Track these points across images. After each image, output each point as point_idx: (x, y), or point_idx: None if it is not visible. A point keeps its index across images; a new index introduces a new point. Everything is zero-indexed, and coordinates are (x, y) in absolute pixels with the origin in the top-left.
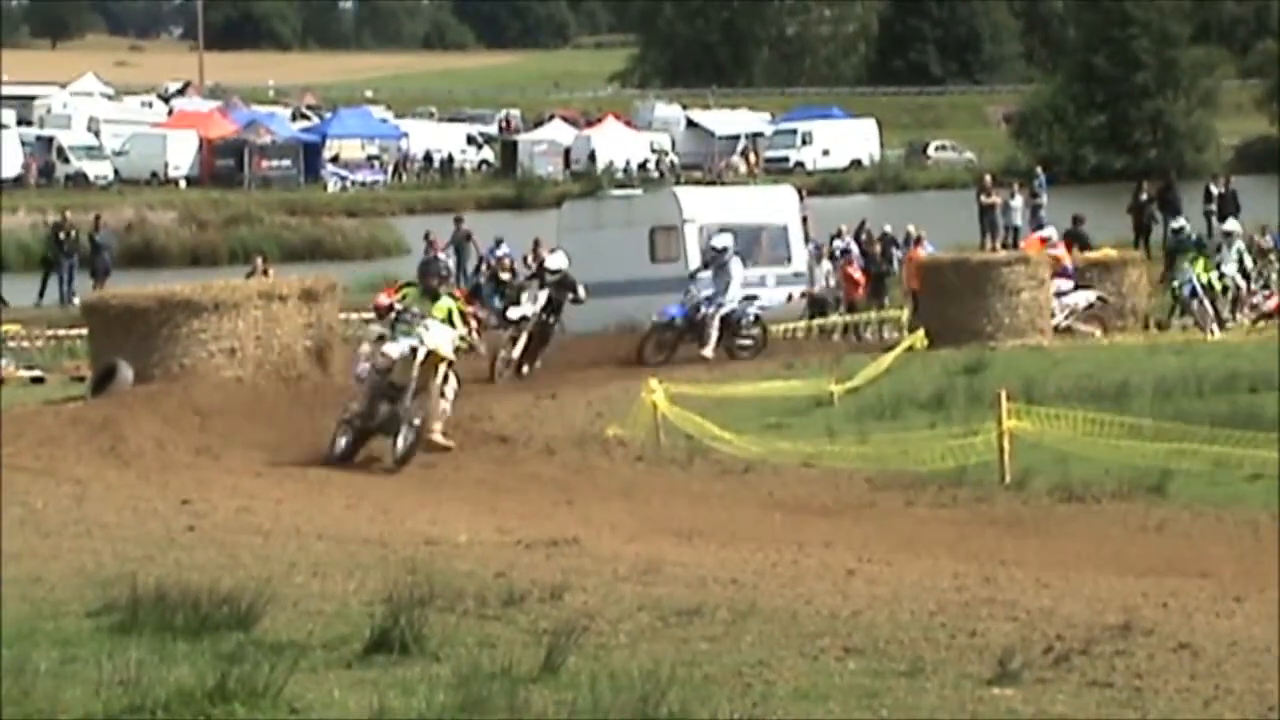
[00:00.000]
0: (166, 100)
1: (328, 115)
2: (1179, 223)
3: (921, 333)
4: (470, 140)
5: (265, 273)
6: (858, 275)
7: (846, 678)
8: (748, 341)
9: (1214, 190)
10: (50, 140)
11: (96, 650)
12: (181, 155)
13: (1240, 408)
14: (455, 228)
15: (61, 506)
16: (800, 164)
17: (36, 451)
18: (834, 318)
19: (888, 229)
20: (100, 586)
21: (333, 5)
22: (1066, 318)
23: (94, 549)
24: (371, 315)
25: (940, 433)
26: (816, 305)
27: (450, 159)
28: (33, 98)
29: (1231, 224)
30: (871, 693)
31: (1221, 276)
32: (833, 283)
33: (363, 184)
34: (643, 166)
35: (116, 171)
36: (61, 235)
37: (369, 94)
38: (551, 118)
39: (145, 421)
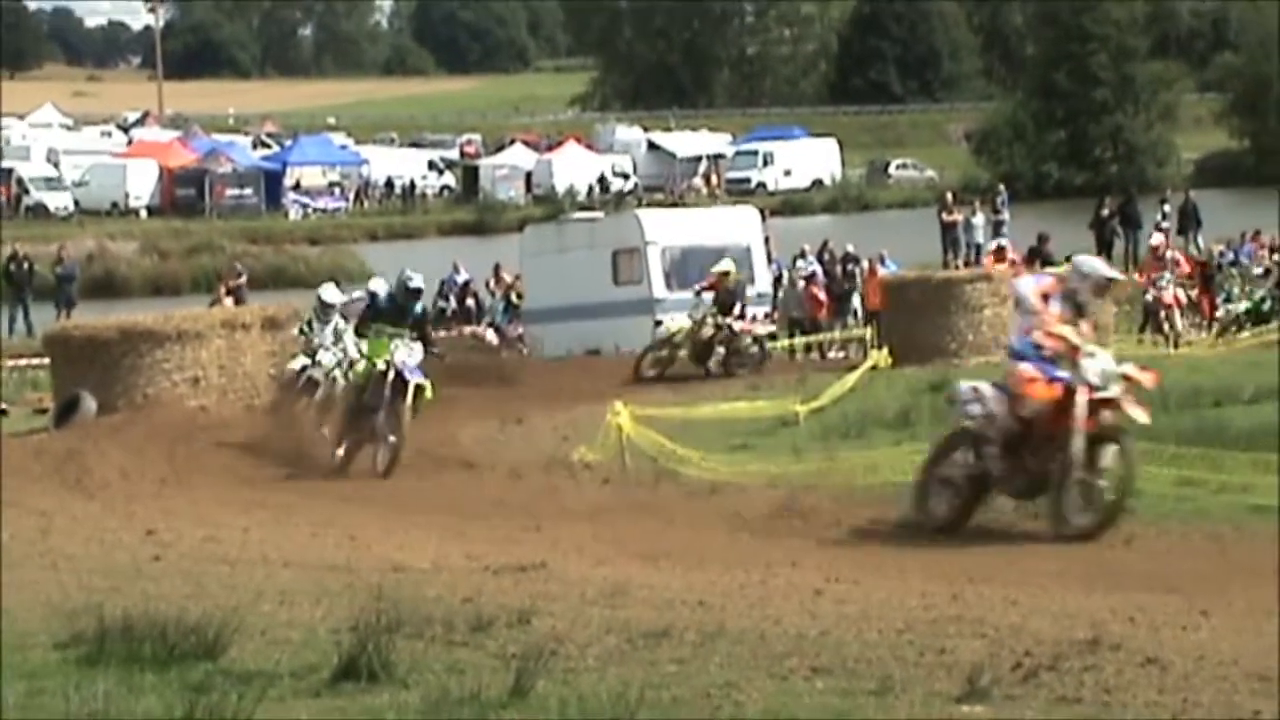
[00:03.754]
0: (126, 130)
1: (288, 143)
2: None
3: (885, 351)
4: (431, 166)
5: (229, 291)
6: (821, 296)
7: (815, 698)
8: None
9: (1167, 207)
10: (10, 172)
11: (63, 682)
12: (142, 185)
13: (1205, 422)
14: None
15: (26, 538)
16: (762, 184)
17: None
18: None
19: (850, 249)
20: (66, 618)
21: (292, 32)
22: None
23: (60, 580)
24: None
25: (906, 450)
26: (796, 325)
27: (412, 185)
28: None
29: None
30: (840, 712)
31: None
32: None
33: (324, 211)
34: (604, 189)
35: (77, 202)
36: (13, 268)
37: (330, 121)
38: (513, 142)
39: (110, 452)
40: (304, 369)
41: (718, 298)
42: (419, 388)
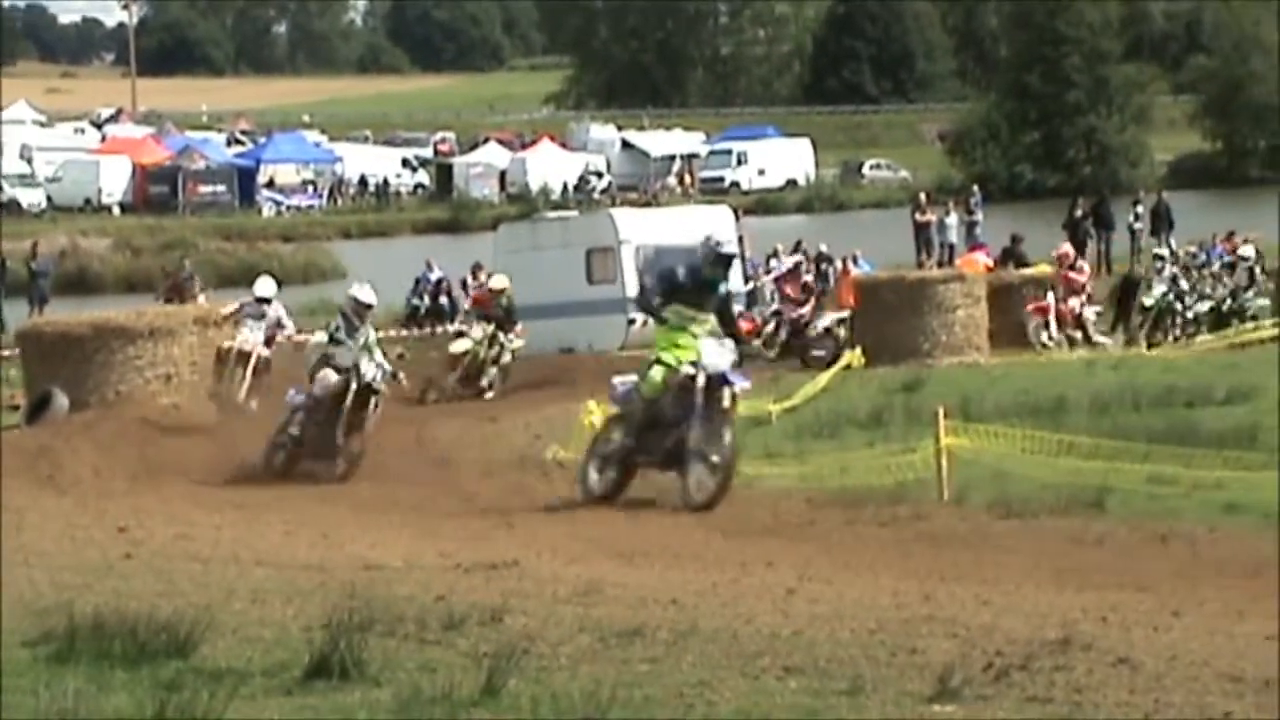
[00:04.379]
0: (99, 126)
1: (262, 140)
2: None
3: (859, 351)
4: (405, 163)
5: (191, 278)
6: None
7: (787, 697)
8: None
9: (1139, 209)
10: None
11: (34, 680)
12: (115, 182)
13: (1177, 422)
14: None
15: None
16: (736, 184)
17: None
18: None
19: (823, 248)
20: (37, 615)
21: (266, 30)
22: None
23: (31, 578)
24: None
25: (879, 451)
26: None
27: (386, 183)
28: None
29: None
30: (812, 711)
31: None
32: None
33: (298, 209)
34: (579, 188)
35: (50, 199)
36: None
37: (304, 118)
38: (487, 140)
39: (82, 449)
40: (346, 378)
41: (488, 313)
42: (735, 396)
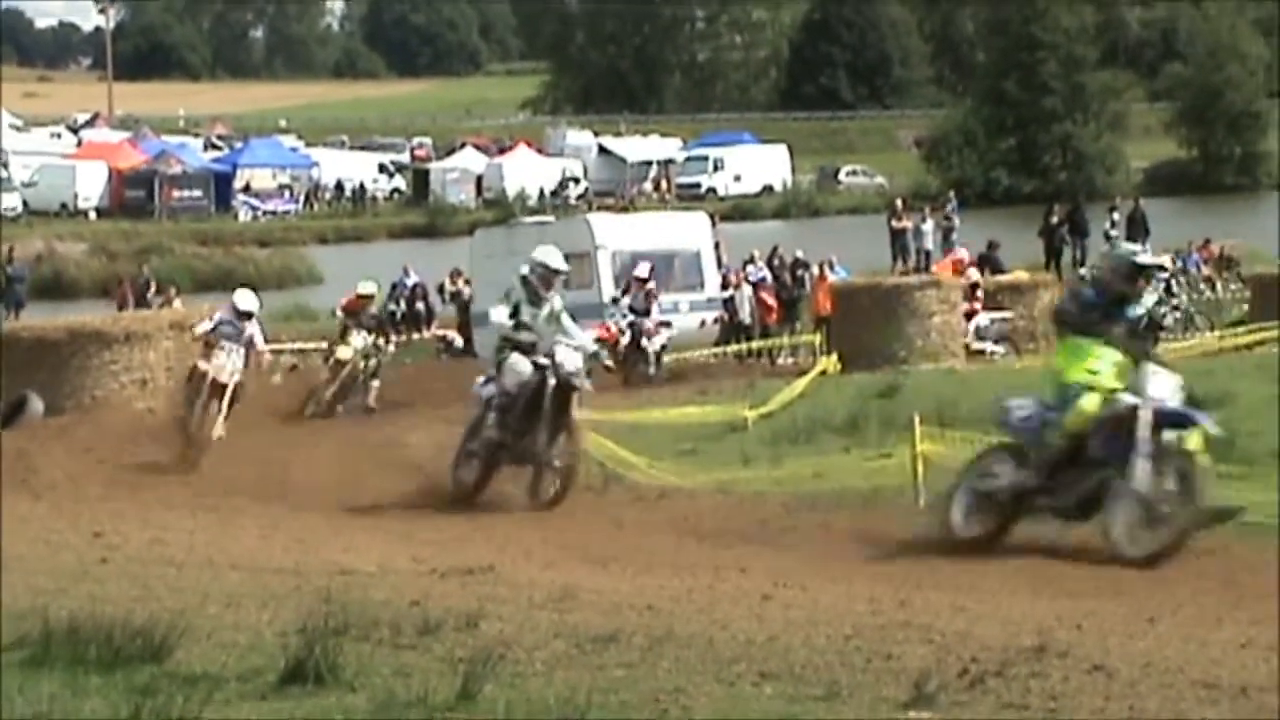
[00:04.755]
0: (75, 131)
1: (238, 145)
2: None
3: (835, 357)
4: (382, 168)
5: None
6: (771, 301)
7: (763, 703)
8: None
9: (1115, 215)
10: None
11: (8, 685)
12: (91, 186)
13: None
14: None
15: None
16: (712, 190)
17: None
18: (754, 343)
19: (800, 254)
20: (12, 620)
21: (243, 34)
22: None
23: (6, 583)
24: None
25: (854, 456)
26: (741, 331)
27: (362, 188)
28: None
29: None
30: (788, 717)
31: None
32: (748, 309)
33: (274, 213)
34: (555, 193)
35: (25, 203)
36: None
37: (281, 123)
38: (463, 145)
39: (57, 453)
40: (542, 369)
41: (360, 319)
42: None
